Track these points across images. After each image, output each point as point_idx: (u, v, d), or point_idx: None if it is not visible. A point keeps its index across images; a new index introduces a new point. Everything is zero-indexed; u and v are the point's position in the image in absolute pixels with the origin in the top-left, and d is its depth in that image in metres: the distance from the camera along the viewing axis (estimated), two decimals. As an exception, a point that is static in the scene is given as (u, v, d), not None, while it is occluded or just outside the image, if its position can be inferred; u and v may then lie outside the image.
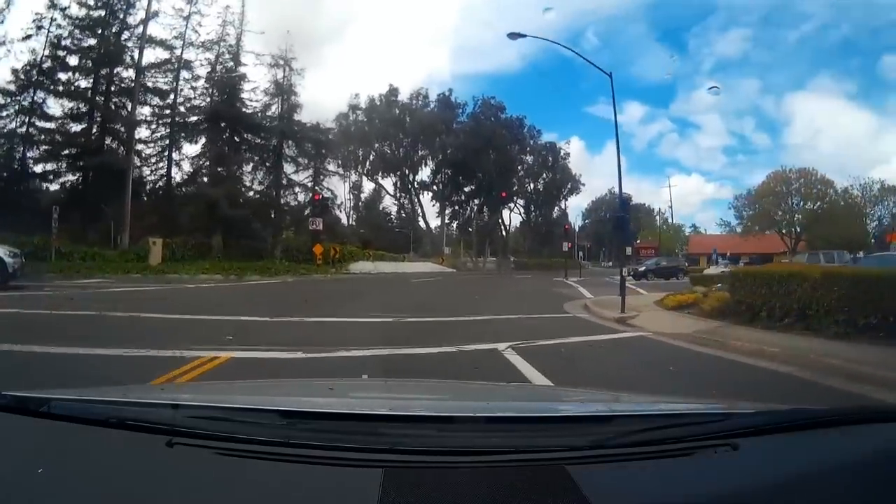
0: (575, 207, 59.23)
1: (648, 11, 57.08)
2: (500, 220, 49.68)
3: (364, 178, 46.97)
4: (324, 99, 72.03)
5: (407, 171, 45.10)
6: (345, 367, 5.10)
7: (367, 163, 44.13)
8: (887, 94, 58.06)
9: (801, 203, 30.42)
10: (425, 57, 76.69)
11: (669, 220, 56.96)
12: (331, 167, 30.74)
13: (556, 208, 50.61)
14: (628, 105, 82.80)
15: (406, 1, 74.60)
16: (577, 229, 43.42)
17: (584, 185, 50.82)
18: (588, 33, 60.99)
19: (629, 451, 1.01)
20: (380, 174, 45.27)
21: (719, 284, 13.27)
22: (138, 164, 27.81)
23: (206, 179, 26.30)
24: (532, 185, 48.79)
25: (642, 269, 27.72)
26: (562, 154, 47.85)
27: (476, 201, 45.83)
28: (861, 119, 72.90)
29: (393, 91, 42.42)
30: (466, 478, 0.90)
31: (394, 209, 52.93)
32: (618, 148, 11.08)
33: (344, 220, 46.81)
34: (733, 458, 1.00)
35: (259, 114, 26.79)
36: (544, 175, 48.55)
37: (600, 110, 71.67)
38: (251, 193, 27.01)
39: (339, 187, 43.95)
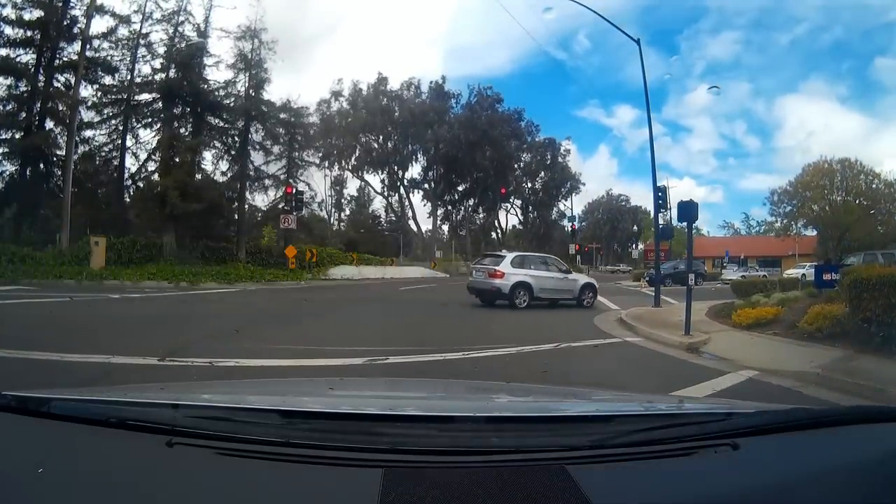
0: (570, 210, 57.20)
1: (640, 15, 55.40)
2: (496, 222, 46.75)
3: (349, 174, 43.68)
4: (306, 100, 69.18)
5: (396, 168, 41.77)
6: None
7: (353, 158, 40.68)
8: (879, 97, 57.79)
9: (845, 196, 27.74)
10: (415, 58, 75.35)
11: (672, 222, 54.61)
12: (308, 157, 27.30)
13: (555, 209, 47.79)
14: (619, 109, 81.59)
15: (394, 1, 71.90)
16: (569, 232, 40.67)
17: (584, 184, 48.17)
18: (580, 35, 59.28)
19: (629, 451, 1.00)
20: (365, 169, 41.84)
21: (779, 294, 10.95)
22: (86, 151, 24.23)
23: (157, 167, 22.80)
24: (530, 185, 45.96)
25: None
26: (561, 150, 45.06)
27: (470, 201, 42.73)
28: (853, 122, 72.95)
29: (382, 80, 39.20)
30: (466, 478, 0.90)
31: (382, 210, 49.91)
32: (649, 120, 8.71)
33: (326, 220, 43.62)
34: (733, 458, 1.00)
35: (222, 91, 23.36)
36: (542, 174, 45.74)
37: (591, 113, 70.39)
38: (211, 185, 23.42)
39: (319, 183, 40.71)
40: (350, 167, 41.95)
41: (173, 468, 0.93)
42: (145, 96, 23.93)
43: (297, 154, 26.21)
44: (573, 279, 14.01)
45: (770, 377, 5.51)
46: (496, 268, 12.86)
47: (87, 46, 23.14)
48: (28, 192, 22.36)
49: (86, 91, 24.11)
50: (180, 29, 23.71)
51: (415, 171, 42.33)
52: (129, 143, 24.93)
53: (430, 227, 44.11)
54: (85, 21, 23.21)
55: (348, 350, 6.16)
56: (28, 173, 23.01)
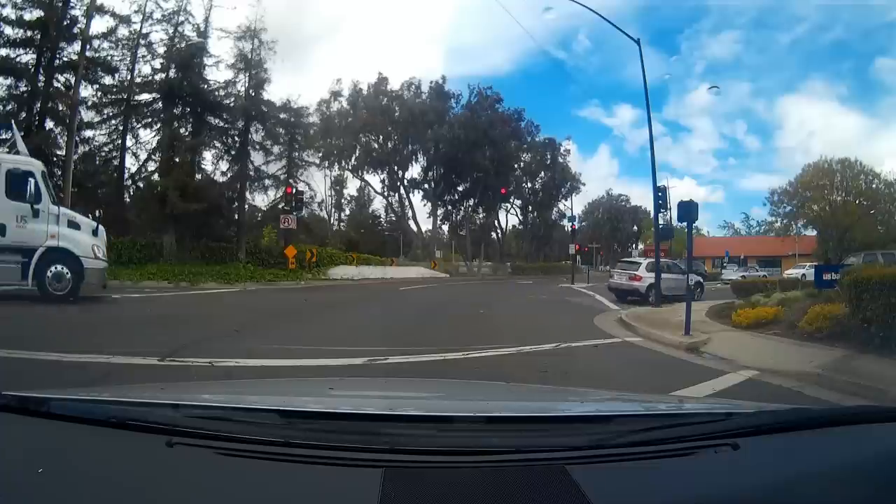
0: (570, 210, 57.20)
1: (640, 14, 55.33)
2: (496, 222, 46.67)
3: (349, 174, 43.62)
4: (306, 100, 69.18)
5: (396, 168, 41.67)
6: None
7: (353, 158, 40.59)
8: (879, 97, 58.29)
9: (845, 196, 27.68)
10: (415, 58, 75.18)
11: (672, 222, 54.52)
12: (308, 157, 27.27)
13: (555, 209, 47.71)
14: (619, 108, 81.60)
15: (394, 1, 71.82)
16: (569, 232, 40.58)
17: (584, 184, 48.10)
18: (580, 35, 59.17)
19: (629, 451, 1.00)
20: (365, 169, 41.79)
21: (779, 294, 11.01)
22: (86, 151, 24.23)
23: (156, 167, 22.79)
24: (530, 185, 45.89)
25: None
26: (562, 150, 44.99)
27: (470, 201, 42.64)
28: (853, 122, 73.10)
29: (382, 80, 39.10)
30: (467, 478, 0.90)
31: (382, 210, 49.89)
32: (649, 120, 8.63)
33: (326, 220, 43.59)
34: (733, 458, 1.00)
35: (222, 91, 23.34)
36: (542, 174, 45.68)
37: (591, 113, 70.32)
38: (211, 185, 23.40)
39: (319, 183, 40.66)
40: (350, 167, 41.82)
41: (173, 468, 0.93)
42: (145, 96, 23.89)
43: (297, 154, 26.18)
44: (694, 276, 16.76)
45: (770, 377, 5.54)
46: (636, 272, 16.13)
47: (87, 46, 23.12)
48: (28, 192, 22.38)
49: (86, 91, 24.08)
50: (180, 29, 23.67)
51: (415, 171, 42.10)
52: (129, 143, 24.89)
53: (430, 227, 44.05)
54: (85, 21, 23.21)
55: (348, 350, 6.17)
56: (28, 173, 23.04)
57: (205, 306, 11.95)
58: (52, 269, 10.26)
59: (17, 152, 11.20)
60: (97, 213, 12.11)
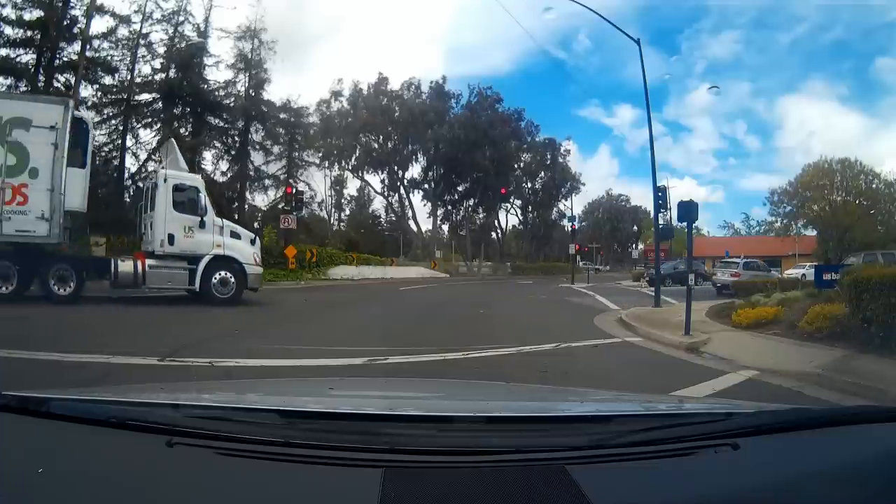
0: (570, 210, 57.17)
1: (641, 14, 55.24)
2: (496, 222, 46.68)
3: (349, 174, 43.60)
4: (306, 100, 68.99)
5: (396, 168, 41.68)
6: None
7: (353, 158, 40.62)
8: (879, 97, 58.33)
9: (845, 196, 27.64)
10: (415, 58, 75.15)
11: (672, 222, 54.47)
12: (308, 157, 27.33)
13: (555, 209, 47.72)
14: (619, 108, 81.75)
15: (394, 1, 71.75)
16: (569, 232, 40.56)
17: (584, 184, 48.11)
18: (580, 35, 59.12)
19: (629, 451, 1.00)
20: (365, 169, 41.81)
21: (779, 294, 10.92)
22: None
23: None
24: (530, 185, 45.89)
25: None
26: (562, 150, 45.00)
27: (470, 201, 42.66)
28: (853, 122, 73.16)
29: (382, 80, 39.15)
30: (467, 478, 0.90)
31: (382, 210, 49.88)
32: (649, 120, 8.73)
33: (326, 220, 43.59)
34: (733, 458, 1.00)
35: (222, 91, 23.45)
36: (542, 174, 45.69)
37: (591, 113, 70.36)
38: (211, 185, 23.45)
39: (319, 183, 40.66)
40: (350, 167, 41.82)
41: (173, 468, 0.92)
42: (145, 96, 24.02)
43: (297, 154, 26.26)
44: (773, 273, 20.99)
45: (770, 377, 5.52)
46: (735, 270, 19.54)
47: (87, 46, 23.19)
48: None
49: (86, 91, 24.14)
50: (180, 29, 23.78)
51: (415, 171, 42.09)
52: (129, 143, 24.98)
53: (430, 227, 44.07)
54: (85, 21, 23.25)
55: (348, 350, 6.17)
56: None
57: (204, 306, 11.94)
58: (218, 275, 11.19)
59: (173, 168, 11.74)
60: (256, 226, 12.82)
